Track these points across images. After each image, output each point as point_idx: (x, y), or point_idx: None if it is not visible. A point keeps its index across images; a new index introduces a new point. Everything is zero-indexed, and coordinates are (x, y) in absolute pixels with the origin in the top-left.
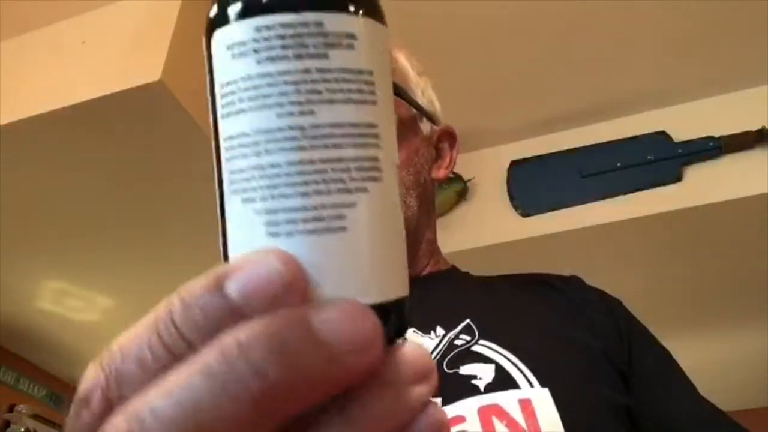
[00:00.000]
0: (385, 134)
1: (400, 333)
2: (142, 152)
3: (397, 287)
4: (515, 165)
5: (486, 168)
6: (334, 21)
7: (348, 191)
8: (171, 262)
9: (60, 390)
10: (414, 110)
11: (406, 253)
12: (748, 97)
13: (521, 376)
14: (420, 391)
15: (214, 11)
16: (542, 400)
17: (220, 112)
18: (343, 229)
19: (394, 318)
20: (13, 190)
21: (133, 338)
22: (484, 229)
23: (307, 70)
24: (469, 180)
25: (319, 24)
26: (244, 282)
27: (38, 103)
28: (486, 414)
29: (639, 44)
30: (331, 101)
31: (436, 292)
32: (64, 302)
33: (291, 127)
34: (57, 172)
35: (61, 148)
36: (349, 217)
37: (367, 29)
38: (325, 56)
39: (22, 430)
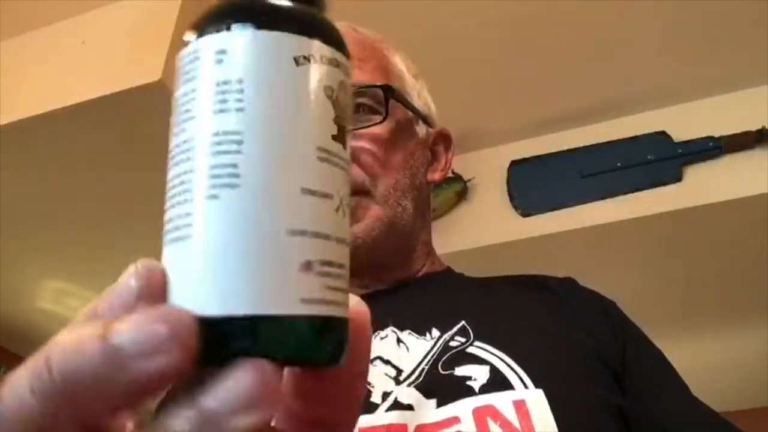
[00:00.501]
0: (254, 139)
1: (245, 352)
2: (142, 152)
3: (251, 302)
4: (515, 165)
5: (486, 168)
6: (208, 42)
7: (193, 201)
8: None
9: None
10: (410, 113)
11: (286, 265)
12: (748, 97)
13: (515, 377)
14: (236, 421)
15: None
16: (536, 401)
17: None
18: (187, 237)
19: (230, 334)
20: (13, 190)
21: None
22: (484, 229)
23: (184, 94)
24: (469, 180)
25: (197, 49)
26: (108, 293)
27: (38, 103)
28: (481, 415)
29: (639, 44)
30: (193, 117)
31: (432, 293)
32: (64, 302)
33: (173, 146)
34: (57, 172)
35: (61, 148)
36: (193, 225)
37: (241, 41)
38: (196, 78)
39: None
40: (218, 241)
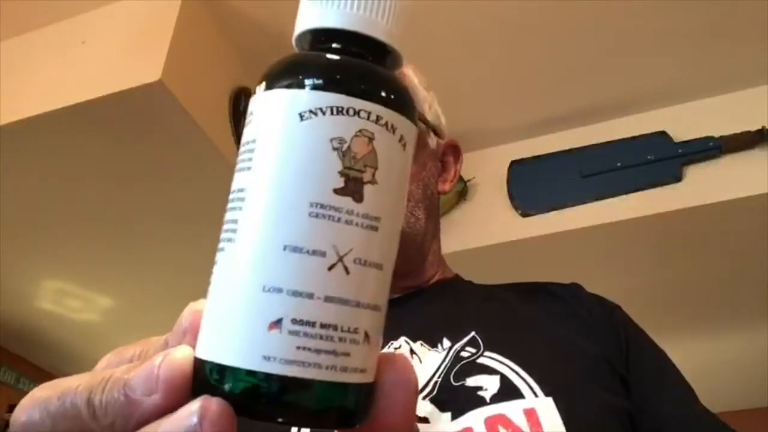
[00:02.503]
0: (252, 197)
1: (216, 395)
2: (142, 152)
3: (221, 352)
4: (515, 165)
5: (486, 168)
6: (250, 104)
7: (217, 251)
8: (171, 262)
9: None
10: (422, 125)
11: (255, 321)
12: (748, 97)
13: (526, 386)
14: None
15: None
16: (546, 409)
17: None
18: (209, 284)
19: (207, 376)
20: (14, 190)
21: None
22: (484, 229)
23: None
24: (469, 180)
25: (247, 112)
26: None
27: (38, 103)
28: (492, 424)
29: (639, 44)
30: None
31: (443, 302)
32: (64, 302)
33: None
34: (57, 172)
35: (61, 148)
36: (213, 274)
37: (264, 101)
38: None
39: None
40: (212, 291)
